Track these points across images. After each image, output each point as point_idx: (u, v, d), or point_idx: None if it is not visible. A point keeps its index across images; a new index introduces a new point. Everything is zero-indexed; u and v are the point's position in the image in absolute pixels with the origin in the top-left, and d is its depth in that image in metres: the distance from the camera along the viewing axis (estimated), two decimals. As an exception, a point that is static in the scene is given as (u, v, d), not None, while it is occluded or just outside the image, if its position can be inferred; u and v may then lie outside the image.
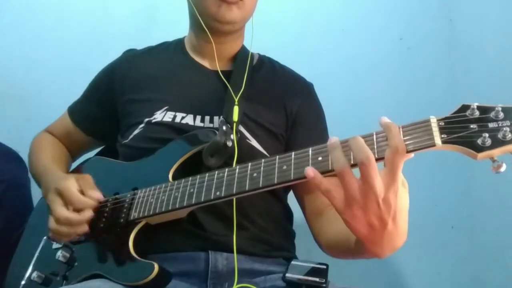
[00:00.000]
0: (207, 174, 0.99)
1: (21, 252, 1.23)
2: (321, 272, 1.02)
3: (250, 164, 0.93)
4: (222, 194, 0.94)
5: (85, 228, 1.05)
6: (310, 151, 0.85)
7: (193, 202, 0.97)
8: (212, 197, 0.95)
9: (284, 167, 0.87)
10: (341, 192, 0.78)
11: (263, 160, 0.91)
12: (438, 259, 1.74)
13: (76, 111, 1.40)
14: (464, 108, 0.76)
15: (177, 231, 1.07)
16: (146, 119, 1.19)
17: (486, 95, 1.58)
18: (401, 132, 0.77)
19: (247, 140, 1.16)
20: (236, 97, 1.18)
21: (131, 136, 1.20)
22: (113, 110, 1.31)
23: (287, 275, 1.03)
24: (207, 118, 1.18)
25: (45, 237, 1.16)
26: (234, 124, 1.13)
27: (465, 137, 0.74)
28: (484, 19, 1.72)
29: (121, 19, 1.94)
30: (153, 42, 1.41)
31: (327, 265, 1.03)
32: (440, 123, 0.76)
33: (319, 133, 1.29)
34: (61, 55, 1.86)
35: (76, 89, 1.41)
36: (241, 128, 1.16)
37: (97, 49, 1.83)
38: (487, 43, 1.70)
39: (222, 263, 1.06)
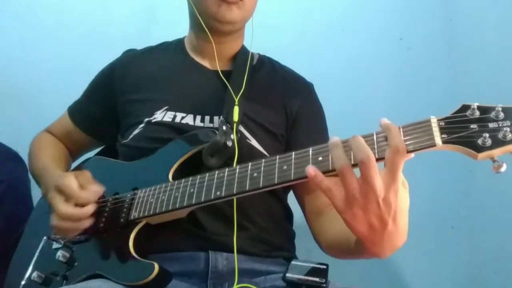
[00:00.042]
0: (207, 174, 0.99)
1: (21, 252, 1.23)
2: (321, 272, 1.02)
3: (250, 164, 0.93)
4: (223, 194, 0.93)
5: (87, 223, 1.05)
6: (311, 151, 0.85)
7: (193, 202, 0.97)
8: (212, 197, 0.95)
9: (285, 167, 0.87)
10: (342, 191, 0.78)
11: (263, 160, 0.91)
12: (438, 259, 1.74)
13: (76, 111, 1.40)
14: (465, 108, 0.76)
15: (177, 231, 1.07)
16: (146, 119, 1.19)
17: (486, 95, 1.58)
18: (402, 132, 0.78)
19: (247, 140, 1.16)
20: (236, 97, 1.18)
21: (131, 136, 1.20)
22: (113, 110, 1.30)
23: (287, 275, 1.03)
24: (207, 118, 1.18)
25: (45, 237, 1.16)
26: (234, 124, 1.13)
27: (466, 137, 0.74)
28: (484, 19, 1.72)
29: (121, 19, 1.94)
30: (153, 42, 1.41)
31: (327, 265, 1.03)
32: (441, 123, 0.76)
33: (319, 133, 1.29)
34: (61, 55, 1.86)
35: (76, 89, 1.41)
36: (241, 128, 1.16)
37: (97, 49, 1.83)
38: (487, 43, 1.70)
39: (222, 263, 1.06)
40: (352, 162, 0.77)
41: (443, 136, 0.75)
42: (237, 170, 0.94)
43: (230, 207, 1.07)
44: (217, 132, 1.09)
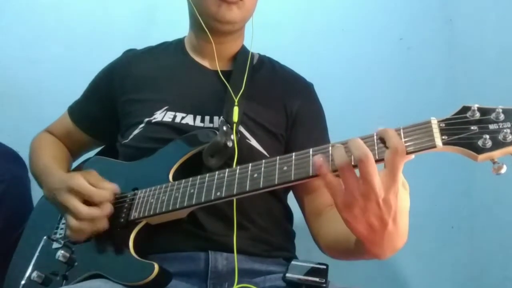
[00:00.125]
0: (207, 175, 0.99)
1: (21, 252, 1.23)
2: (321, 272, 1.02)
3: (250, 165, 0.93)
4: (223, 195, 0.94)
5: (105, 223, 1.04)
6: (311, 152, 0.85)
7: (194, 202, 0.97)
8: (212, 198, 0.95)
9: (285, 168, 0.87)
10: (343, 190, 0.78)
11: (263, 161, 0.91)
12: (438, 259, 1.74)
13: (76, 111, 1.40)
14: (465, 109, 0.76)
15: (177, 231, 1.07)
16: (146, 119, 1.19)
17: (486, 95, 1.58)
18: (402, 133, 0.78)
19: (247, 140, 1.16)
20: (236, 98, 1.18)
21: (131, 136, 1.20)
22: (113, 110, 1.30)
23: (287, 275, 1.03)
24: (207, 118, 1.18)
25: (45, 237, 1.16)
26: (234, 125, 1.13)
27: (466, 139, 0.74)
28: (484, 19, 1.72)
29: (121, 19, 1.94)
30: (153, 42, 1.41)
31: (327, 265, 1.03)
32: (441, 125, 0.76)
33: (319, 133, 1.29)
34: (61, 55, 1.86)
35: (76, 89, 1.41)
36: (241, 129, 1.16)
37: (97, 49, 1.84)
38: (487, 43, 1.70)
39: (222, 263, 1.06)
40: (352, 163, 0.77)
41: (443, 137, 0.75)
42: (238, 171, 0.94)
43: (230, 207, 1.07)
44: (217, 132, 1.09)
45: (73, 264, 1.07)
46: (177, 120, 1.18)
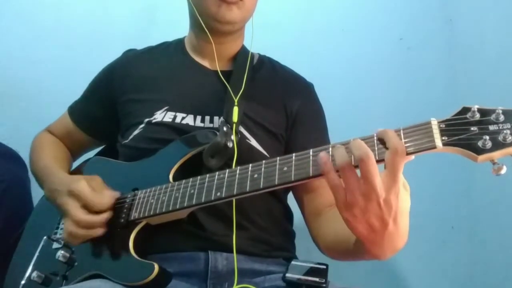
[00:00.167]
0: (207, 175, 0.99)
1: (21, 252, 1.23)
2: (321, 272, 1.02)
3: (251, 165, 0.93)
4: (223, 195, 0.94)
5: (103, 230, 1.04)
6: (311, 152, 0.86)
7: (194, 203, 0.97)
8: (212, 198, 0.95)
9: (285, 168, 0.87)
10: (344, 190, 0.79)
11: (264, 162, 0.91)
12: (438, 259, 1.74)
13: (76, 111, 1.40)
14: (465, 110, 0.77)
15: (177, 231, 1.07)
16: (146, 119, 1.19)
17: (486, 95, 1.59)
18: (402, 134, 0.78)
19: (247, 140, 1.16)
20: (235, 98, 1.18)
21: (131, 136, 1.20)
22: (113, 110, 1.30)
23: (287, 275, 1.03)
24: (207, 118, 1.18)
25: (45, 237, 1.16)
26: (234, 125, 1.13)
27: (466, 140, 0.74)
28: (484, 19, 1.72)
29: (121, 19, 1.94)
30: (153, 42, 1.41)
31: (327, 265, 1.03)
32: (441, 125, 0.77)
33: (319, 133, 1.29)
34: (61, 55, 1.86)
35: (76, 89, 1.41)
36: (241, 129, 1.16)
37: (97, 49, 1.84)
38: (487, 43, 1.70)
39: (222, 263, 1.06)
40: (353, 163, 0.77)
41: (443, 138, 0.75)
42: (238, 172, 0.94)
43: (230, 208, 1.07)
44: (217, 133, 1.09)
45: (73, 264, 1.07)
46: (178, 120, 1.18)
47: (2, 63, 1.85)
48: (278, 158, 0.89)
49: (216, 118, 1.18)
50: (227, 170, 0.96)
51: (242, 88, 1.21)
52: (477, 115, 0.75)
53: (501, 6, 1.63)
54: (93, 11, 1.93)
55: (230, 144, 1.08)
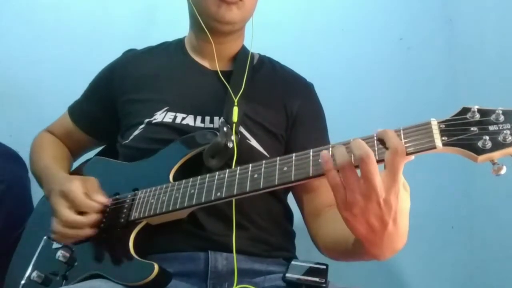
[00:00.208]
0: (207, 175, 0.99)
1: (21, 252, 1.23)
2: (321, 272, 1.02)
3: (251, 165, 0.93)
4: (223, 195, 0.94)
5: (89, 231, 1.05)
6: (311, 153, 0.86)
7: (194, 203, 0.97)
8: (212, 198, 0.95)
9: (285, 169, 0.87)
10: (344, 189, 0.79)
11: (264, 162, 0.91)
12: (438, 259, 1.74)
13: (76, 111, 1.40)
14: (465, 110, 0.77)
15: (177, 231, 1.07)
16: (147, 120, 1.19)
17: (486, 95, 1.58)
18: (402, 134, 0.78)
19: (247, 141, 1.16)
20: (235, 98, 1.18)
21: (131, 137, 1.20)
22: (113, 110, 1.30)
23: (287, 275, 1.03)
24: (207, 118, 1.18)
25: (45, 237, 1.16)
26: (234, 125, 1.13)
27: (466, 140, 0.74)
28: (484, 19, 1.72)
29: (121, 19, 1.94)
30: (153, 42, 1.41)
31: (327, 265, 1.03)
32: (441, 126, 0.77)
33: (319, 133, 1.29)
34: (61, 55, 1.86)
35: (76, 89, 1.41)
36: (241, 129, 1.16)
37: (97, 49, 1.84)
38: (487, 43, 1.69)
39: (222, 263, 1.06)
40: (354, 163, 0.77)
41: (443, 138, 0.76)
42: (238, 172, 0.94)
43: (230, 208, 1.07)
44: (217, 133, 1.09)
45: (73, 264, 1.07)
46: (178, 120, 1.18)
47: (2, 63, 1.85)
48: (278, 158, 0.90)
49: (216, 119, 1.18)
50: (227, 170, 0.97)
51: (242, 88, 1.21)
52: (477, 116, 0.75)
53: (501, 6, 1.63)
54: (93, 11, 1.93)
55: (230, 145, 1.08)
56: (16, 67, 1.85)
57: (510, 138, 0.71)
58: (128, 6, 1.96)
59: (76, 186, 1.07)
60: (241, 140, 1.14)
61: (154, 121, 1.18)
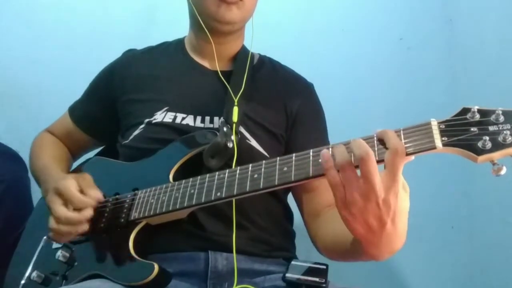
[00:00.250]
0: (207, 175, 0.99)
1: (21, 252, 1.23)
2: (321, 272, 1.02)
3: (251, 165, 0.93)
4: (223, 195, 0.94)
5: (85, 227, 1.04)
6: (311, 153, 0.86)
7: (194, 203, 0.97)
8: (212, 198, 0.95)
9: (285, 169, 0.87)
10: (343, 189, 0.79)
11: (264, 162, 0.91)
12: (438, 259, 1.74)
13: (77, 111, 1.40)
14: (465, 111, 0.77)
15: (177, 231, 1.07)
16: (147, 120, 1.19)
17: (486, 95, 1.59)
18: (402, 135, 0.78)
19: (247, 141, 1.16)
20: (235, 98, 1.18)
21: (131, 137, 1.20)
22: (113, 110, 1.30)
23: (287, 275, 1.03)
24: (207, 118, 1.18)
25: (45, 237, 1.16)
26: (234, 125, 1.13)
27: (466, 140, 0.74)
28: (484, 19, 1.72)
29: (121, 19, 1.94)
30: (153, 42, 1.41)
31: (327, 265, 1.03)
32: (441, 126, 0.77)
33: (319, 133, 1.29)
34: (61, 55, 1.87)
35: (76, 89, 1.41)
36: (241, 129, 1.16)
37: (97, 49, 1.84)
38: (487, 43, 1.69)
39: (222, 263, 1.06)
40: (354, 163, 0.77)
41: (443, 139, 0.76)
42: (238, 172, 0.94)
43: (230, 208, 1.07)
44: (217, 133, 1.09)
45: (73, 264, 1.07)
46: (178, 120, 1.18)
47: (2, 63, 1.85)
48: (278, 158, 0.90)
49: (216, 119, 1.18)
50: (227, 170, 0.97)
51: (242, 88, 1.21)
52: (477, 116, 0.75)
53: (501, 6, 1.63)
54: (93, 11, 1.93)
55: (230, 145, 1.08)
56: (16, 67, 1.85)
57: (510, 138, 0.71)
58: (128, 6, 1.96)
59: (70, 183, 1.07)
60: (241, 140, 1.14)
61: (154, 121, 1.18)
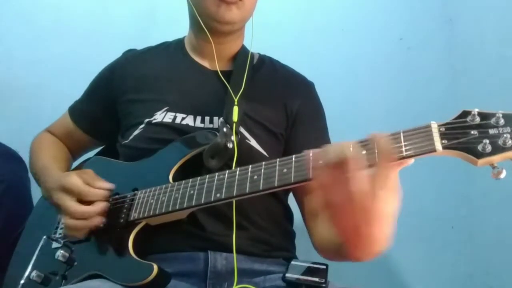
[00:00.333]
0: (207, 176, 0.99)
1: (20, 252, 1.23)
2: (321, 272, 1.02)
3: (250, 166, 0.93)
4: (223, 196, 0.94)
5: (99, 219, 1.05)
6: (311, 154, 0.85)
7: (193, 203, 0.97)
8: (212, 199, 0.95)
9: (285, 170, 0.87)
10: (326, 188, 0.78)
11: (263, 163, 0.91)
12: (438, 259, 1.74)
13: (77, 111, 1.40)
14: (465, 114, 0.77)
15: (177, 232, 1.07)
16: (147, 120, 1.19)
17: (486, 95, 1.59)
18: (402, 137, 0.78)
19: (247, 141, 1.16)
20: (235, 97, 1.18)
21: (131, 137, 1.20)
22: (113, 110, 1.30)
23: (287, 275, 1.03)
24: (207, 118, 1.18)
25: (44, 237, 1.16)
26: (234, 125, 1.13)
27: (466, 143, 0.74)
28: (484, 19, 1.72)
29: (121, 19, 1.94)
30: (153, 42, 1.41)
31: (327, 265, 1.03)
32: (441, 129, 0.77)
33: (319, 133, 1.29)
34: (61, 55, 1.87)
35: (76, 89, 1.41)
36: (241, 129, 1.16)
37: (97, 49, 1.84)
38: (487, 43, 1.70)
39: (222, 263, 1.06)
40: (339, 163, 0.76)
41: (443, 141, 0.75)
42: (237, 173, 0.94)
43: (230, 208, 1.07)
44: (217, 133, 1.09)
45: (73, 264, 1.07)
46: (178, 121, 1.17)
47: (2, 63, 1.85)
48: (278, 159, 0.90)
49: (216, 119, 1.18)
50: (227, 171, 0.97)
51: (242, 88, 1.21)
52: (477, 119, 0.75)
53: (501, 6, 1.63)
54: (93, 11, 1.94)
55: (230, 145, 1.08)
56: (16, 67, 1.85)
57: (510, 142, 0.71)
58: (128, 6, 1.96)
59: (75, 179, 1.08)
60: (241, 140, 1.14)
61: (154, 121, 1.18)
